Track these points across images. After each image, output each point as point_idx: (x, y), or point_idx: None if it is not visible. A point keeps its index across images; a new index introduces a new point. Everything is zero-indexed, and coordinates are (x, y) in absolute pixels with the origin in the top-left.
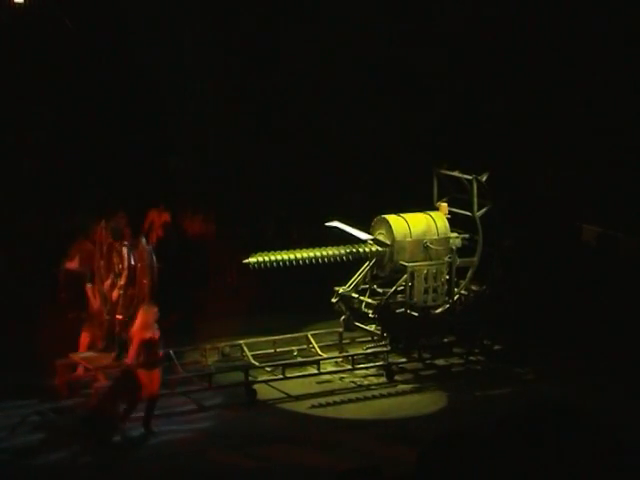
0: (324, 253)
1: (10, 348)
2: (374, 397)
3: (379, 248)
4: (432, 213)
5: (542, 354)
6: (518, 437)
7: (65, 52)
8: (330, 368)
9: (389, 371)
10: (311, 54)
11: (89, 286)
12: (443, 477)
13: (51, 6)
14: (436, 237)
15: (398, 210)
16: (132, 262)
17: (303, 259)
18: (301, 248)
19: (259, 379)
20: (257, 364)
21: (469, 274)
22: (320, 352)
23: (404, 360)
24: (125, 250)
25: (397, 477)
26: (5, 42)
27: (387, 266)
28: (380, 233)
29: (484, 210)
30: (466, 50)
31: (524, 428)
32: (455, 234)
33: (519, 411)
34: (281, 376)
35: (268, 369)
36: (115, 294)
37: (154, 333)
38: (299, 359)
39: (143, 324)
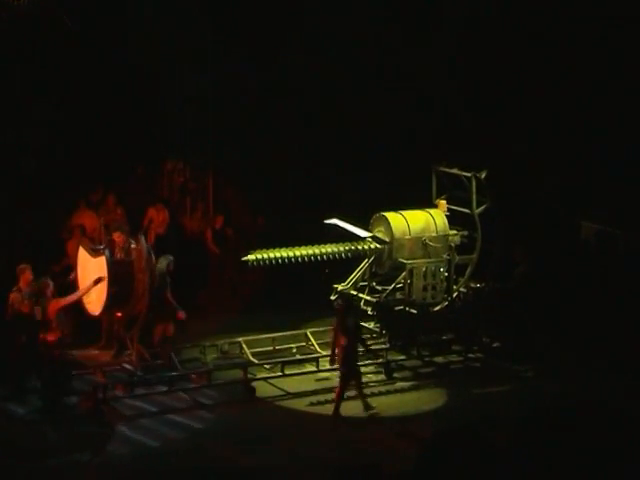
0: (323, 250)
1: (9, 349)
2: (373, 394)
3: (378, 245)
4: (431, 210)
5: (542, 351)
6: (526, 438)
7: (65, 52)
8: (329, 365)
9: (388, 369)
10: (311, 52)
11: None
12: (443, 474)
13: (51, 6)
14: (435, 234)
15: (397, 207)
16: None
17: (302, 256)
18: (300, 245)
19: (258, 376)
20: (256, 361)
21: (468, 271)
22: (319, 349)
23: (403, 357)
24: (132, 246)
25: (397, 474)
26: (5, 42)
27: (386, 263)
28: (379, 230)
29: (483, 207)
30: (466, 49)
31: (534, 431)
32: (454, 231)
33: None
34: (280, 373)
35: (267, 366)
36: None
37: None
38: (298, 356)
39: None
